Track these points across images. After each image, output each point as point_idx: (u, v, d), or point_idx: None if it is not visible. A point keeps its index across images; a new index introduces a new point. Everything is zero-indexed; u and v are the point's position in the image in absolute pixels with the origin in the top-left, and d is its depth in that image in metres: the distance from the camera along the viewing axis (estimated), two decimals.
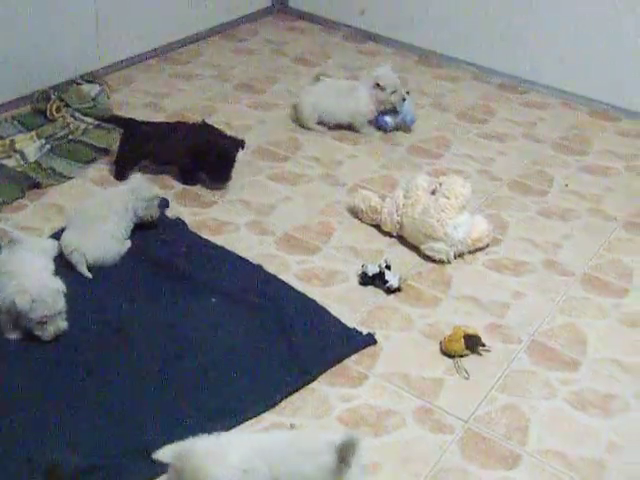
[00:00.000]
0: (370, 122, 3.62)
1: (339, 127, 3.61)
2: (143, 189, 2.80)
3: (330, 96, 3.59)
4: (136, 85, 3.92)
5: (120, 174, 3.14)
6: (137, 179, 2.86)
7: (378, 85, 3.49)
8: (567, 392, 2.34)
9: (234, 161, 3.14)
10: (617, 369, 2.43)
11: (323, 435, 1.92)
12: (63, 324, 2.37)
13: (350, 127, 3.61)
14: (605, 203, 3.23)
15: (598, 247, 2.97)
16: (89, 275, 2.62)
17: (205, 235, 2.89)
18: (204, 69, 4.12)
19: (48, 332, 2.35)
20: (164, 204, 2.96)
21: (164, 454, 1.80)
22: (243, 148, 3.18)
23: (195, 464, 1.76)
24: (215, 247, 2.82)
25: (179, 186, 3.17)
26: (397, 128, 3.62)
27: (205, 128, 3.19)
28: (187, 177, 3.18)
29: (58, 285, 2.38)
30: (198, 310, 2.53)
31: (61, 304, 2.36)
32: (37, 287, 2.32)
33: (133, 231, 2.80)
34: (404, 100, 3.55)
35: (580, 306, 2.68)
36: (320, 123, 3.61)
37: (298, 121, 3.63)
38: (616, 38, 3.81)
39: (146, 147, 3.13)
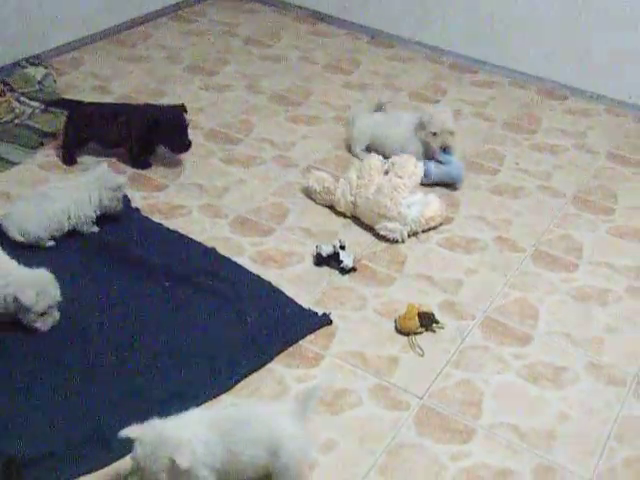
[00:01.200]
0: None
1: None
2: (109, 178, 2.75)
3: (383, 125, 3.26)
4: (84, 68, 3.84)
5: (68, 158, 3.09)
6: (103, 168, 2.81)
7: (422, 123, 3.14)
8: (519, 366, 2.38)
9: (187, 125, 3.11)
10: (567, 342, 2.48)
11: (275, 404, 1.99)
12: (57, 314, 2.36)
13: None
14: (554, 180, 3.29)
15: (548, 223, 3.02)
16: (20, 239, 2.60)
17: (157, 219, 2.86)
18: (153, 51, 4.06)
19: (47, 323, 2.33)
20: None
21: (131, 430, 1.81)
22: (187, 111, 3.13)
23: (157, 444, 1.78)
24: (168, 231, 2.79)
25: (130, 170, 3.12)
26: (444, 183, 3.13)
27: (148, 106, 3.16)
28: (137, 160, 3.13)
29: (49, 274, 2.34)
30: (151, 294, 2.51)
31: (59, 292, 2.34)
32: (32, 279, 2.29)
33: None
34: (445, 150, 3.12)
35: (531, 281, 2.73)
36: (371, 151, 3.23)
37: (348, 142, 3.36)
38: (561, 18, 3.85)
39: (91, 129, 3.08)
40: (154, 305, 2.47)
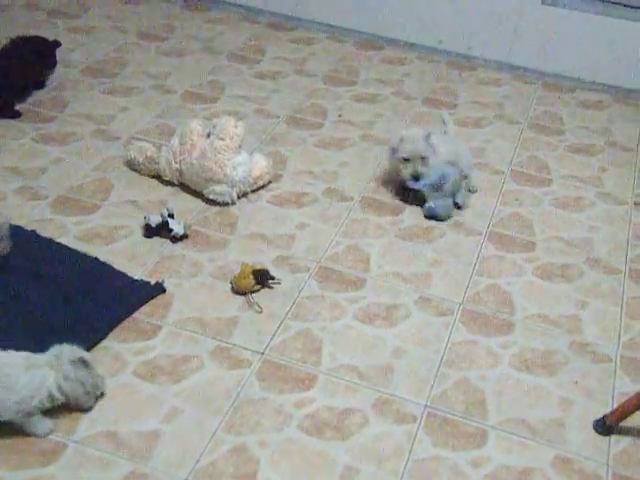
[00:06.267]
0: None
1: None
2: None
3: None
4: None
5: None
6: None
7: (393, 148, 2.87)
8: (355, 309, 2.45)
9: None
10: (398, 280, 2.58)
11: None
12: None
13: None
14: (376, 128, 3.38)
15: (372, 171, 3.11)
16: None
17: None
18: None
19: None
20: None
21: None
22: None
23: None
24: None
25: None
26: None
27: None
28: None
29: None
30: None
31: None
32: None
33: None
34: (416, 177, 2.85)
35: (361, 228, 2.81)
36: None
37: None
38: None
39: None
40: None
